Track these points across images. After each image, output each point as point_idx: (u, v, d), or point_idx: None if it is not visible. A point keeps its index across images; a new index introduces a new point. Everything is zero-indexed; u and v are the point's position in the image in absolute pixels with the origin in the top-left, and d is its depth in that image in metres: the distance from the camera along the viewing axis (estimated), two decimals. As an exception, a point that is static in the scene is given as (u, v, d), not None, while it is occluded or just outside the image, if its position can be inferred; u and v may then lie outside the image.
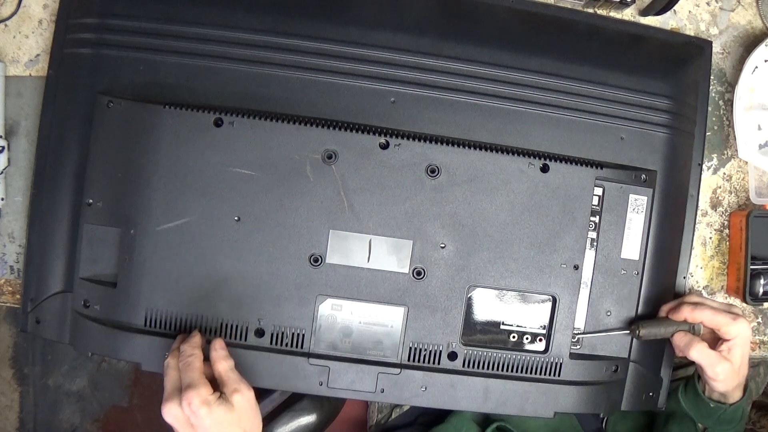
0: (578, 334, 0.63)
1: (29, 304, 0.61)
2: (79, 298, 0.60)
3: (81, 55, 0.60)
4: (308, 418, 0.75)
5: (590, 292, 0.63)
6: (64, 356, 1.36)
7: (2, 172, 0.64)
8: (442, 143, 0.59)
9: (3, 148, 0.63)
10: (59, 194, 0.61)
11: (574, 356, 0.62)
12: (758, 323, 0.74)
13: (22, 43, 0.65)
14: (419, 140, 0.59)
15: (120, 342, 0.58)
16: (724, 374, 0.59)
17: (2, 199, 0.65)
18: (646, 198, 0.63)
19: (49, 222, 0.61)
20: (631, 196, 0.63)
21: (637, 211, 0.63)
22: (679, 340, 0.61)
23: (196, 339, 0.54)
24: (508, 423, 0.71)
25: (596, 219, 0.62)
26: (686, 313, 0.61)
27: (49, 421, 1.36)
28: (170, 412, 0.51)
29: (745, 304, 0.72)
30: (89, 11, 0.60)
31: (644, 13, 0.69)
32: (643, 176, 0.63)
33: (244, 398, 0.52)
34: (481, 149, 0.60)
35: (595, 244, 0.62)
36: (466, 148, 0.60)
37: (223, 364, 0.54)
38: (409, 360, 0.60)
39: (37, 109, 0.63)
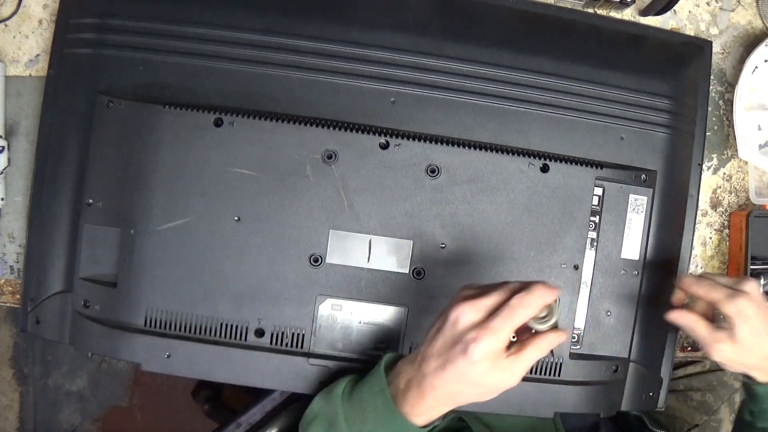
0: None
1: (29, 304, 0.61)
2: (79, 298, 0.60)
3: (81, 55, 0.60)
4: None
5: (590, 292, 0.63)
6: (64, 356, 1.36)
7: (2, 172, 0.64)
8: (442, 143, 0.59)
9: (3, 148, 0.63)
10: (59, 194, 0.61)
11: (574, 356, 0.62)
12: (758, 323, 0.74)
13: (22, 43, 0.65)
14: (419, 140, 0.59)
15: (120, 342, 0.58)
16: (722, 355, 0.55)
17: (2, 199, 0.65)
18: (646, 198, 0.63)
19: (49, 222, 0.61)
20: (631, 196, 0.63)
21: (637, 211, 0.63)
22: (675, 314, 0.58)
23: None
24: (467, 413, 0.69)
25: (596, 219, 0.62)
26: (685, 284, 0.57)
27: (49, 421, 1.36)
28: None
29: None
30: (89, 11, 0.60)
31: (644, 13, 0.69)
32: (643, 176, 0.63)
33: None
34: (481, 149, 0.60)
35: (595, 244, 0.62)
36: (466, 148, 0.60)
37: None
38: (409, 360, 0.60)
39: (37, 109, 0.63)
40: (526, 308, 0.45)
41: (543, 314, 0.47)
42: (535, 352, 0.46)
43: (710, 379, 0.83)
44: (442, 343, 0.46)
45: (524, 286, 0.47)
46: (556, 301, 0.47)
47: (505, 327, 0.45)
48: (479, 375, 0.45)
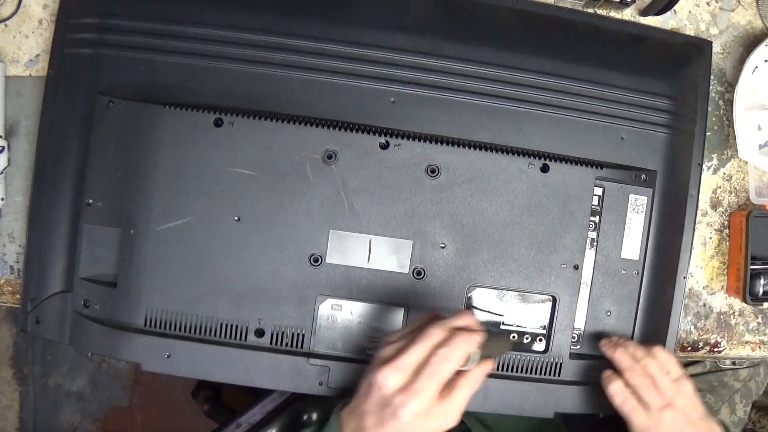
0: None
1: (29, 304, 0.61)
2: (79, 298, 0.60)
3: (81, 55, 0.60)
4: (308, 418, 0.75)
5: (590, 292, 0.63)
6: (64, 356, 1.36)
7: (2, 172, 0.64)
8: (442, 143, 0.59)
9: (3, 148, 0.63)
10: (59, 194, 0.60)
11: (574, 356, 0.62)
12: (758, 323, 0.74)
13: (22, 43, 0.65)
14: (419, 140, 0.59)
15: (120, 342, 0.58)
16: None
17: (2, 199, 0.65)
18: (646, 198, 0.63)
19: (49, 222, 0.61)
20: (631, 196, 0.63)
21: (637, 211, 0.63)
22: (605, 377, 0.58)
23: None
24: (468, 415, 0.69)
25: (596, 219, 0.62)
26: (603, 347, 0.59)
27: (49, 421, 1.36)
28: None
29: (745, 304, 0.72)
30: (89, 11, 0.60)
31: (644, 13, 0.69)
32: (643, 176, 0.63)
33: None
34: (481, 149, 0.60)
35: (595, 244, 0.62)
36: (466, 148, 0.60)
37: None
38: (409, 360, 0.60)
39: (37, 109, 0.63)
40: (449, 362, 0.46)
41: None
42: (466, 389, 0.48)
43: (711, 380, 0.83)
44: (373, 404, 0.47)
45: (445, 337, 0.47)
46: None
47: (430, 386, 0.45)
48: (415, 429, 0.46)
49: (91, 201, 0.59)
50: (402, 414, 0.45)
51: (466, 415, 0.75)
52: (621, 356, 0.57)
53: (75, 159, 0.60)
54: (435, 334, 0.47)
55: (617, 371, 0.58)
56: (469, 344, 0.47)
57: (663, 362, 0.57)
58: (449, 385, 0.47)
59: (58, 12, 0.62)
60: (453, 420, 0.47)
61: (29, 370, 1.35)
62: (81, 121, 0.60)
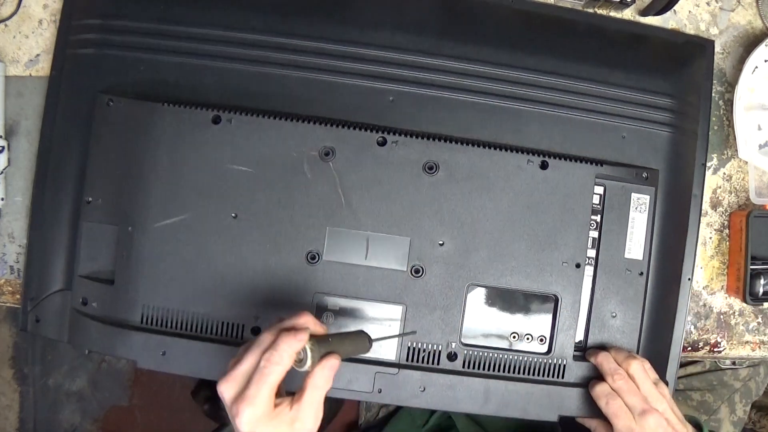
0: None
1: (29, 303, 0.62)
2: (78, 296, 0.60)
3: (83, 56, 0.60)
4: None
5: (594, 292, 0.62)
6: (64, 356, 1.36)
7: (2, 172, 0.64)
8: (440, 140, 0.59)
9: (3, 148, 0.64)
10: (60, 194, 0.61)
11: (577, 357, 0.61)
12: (758, 323, 0.74)
13: (22, 43, 0.65)
14: (417, 137, 0.59)
15: (116, 339, 0.58)
16: None
17: (2, 199, 0.65)
18: (648, 197, 0.63)
19: (50, 221, 0.61)
20: (633, 194, 0.62)
21: (640, 210, 0.63)
22: (591, 381, 0.59)
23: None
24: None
25: (598, 218, 0.62)
26: (588, 354, 0.60)
27: (49, 421, 1.36)
28: None
29: (745, 304, 0.72)
30: (92, 13, 0.61)
31: (644, 13, 0.69)
32: (645, 174, 0.62)
33: None
34: (479, 146, 0.60)
35: (597, 243, 0.62)
36: (464, 144, 0.59)
37: None
38: (407, 360, 0.60)
39: (38, 109, 0.64)
40: (276, 365, 0.45)
41: (300, 357, 0.47)
42: (314, 390, 0.47)
43: (710, 379, 0.83)
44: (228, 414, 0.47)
45: (272, 341, 0.46)
46: (308, 337, 0.47)
47: (261, 392, 0.44)
48: None
49: (90, 199, 0.59)
50: (240, 423, 0.44)
51: (454, 413, 0.75)
52: (603, 360, 0.59)
53: (77, 159, 0.60)
54: (264, 339, 0.47)
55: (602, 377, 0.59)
56: (293, 344, 0.46)
57: (643, 364, 0.58)
58: (300, 391, 0.47)
59: (61, 13, 0.63)
60: (311, 423, 0.47)
61: (29, 370, 1.35)
62: (83, 121, 0.60)
